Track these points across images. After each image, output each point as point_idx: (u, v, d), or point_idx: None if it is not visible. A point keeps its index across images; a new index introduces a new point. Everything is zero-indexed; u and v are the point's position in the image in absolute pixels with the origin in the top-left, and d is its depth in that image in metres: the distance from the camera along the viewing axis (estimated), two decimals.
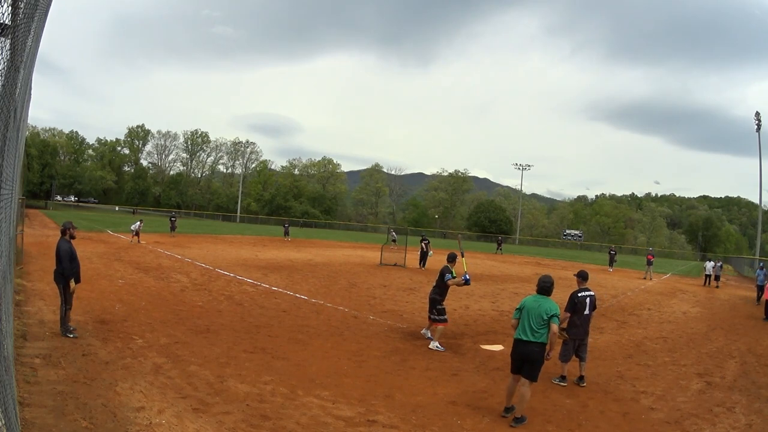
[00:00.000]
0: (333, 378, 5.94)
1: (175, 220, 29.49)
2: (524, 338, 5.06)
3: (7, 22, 2.25)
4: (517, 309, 5.26)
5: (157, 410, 4.52)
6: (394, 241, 29.25)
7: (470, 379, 6.40)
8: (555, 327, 5.04)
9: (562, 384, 6.44)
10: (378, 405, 5.20)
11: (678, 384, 6.87)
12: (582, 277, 6.81)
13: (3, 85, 2.37)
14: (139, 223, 22.80)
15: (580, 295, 6.62)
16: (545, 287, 5.25)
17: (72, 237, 7.02)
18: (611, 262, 30.09)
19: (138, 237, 22.17)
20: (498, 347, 8.15)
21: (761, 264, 22.54)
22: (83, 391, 4.79)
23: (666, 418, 5.50)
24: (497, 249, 40.96)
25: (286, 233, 34.79)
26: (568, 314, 6.58)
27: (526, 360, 5.06)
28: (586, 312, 6.62)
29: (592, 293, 6.74)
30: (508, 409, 5.17)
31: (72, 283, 6.72)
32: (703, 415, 5.66)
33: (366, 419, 4.80)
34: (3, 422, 2.67)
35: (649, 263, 26.00)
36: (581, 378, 6.57)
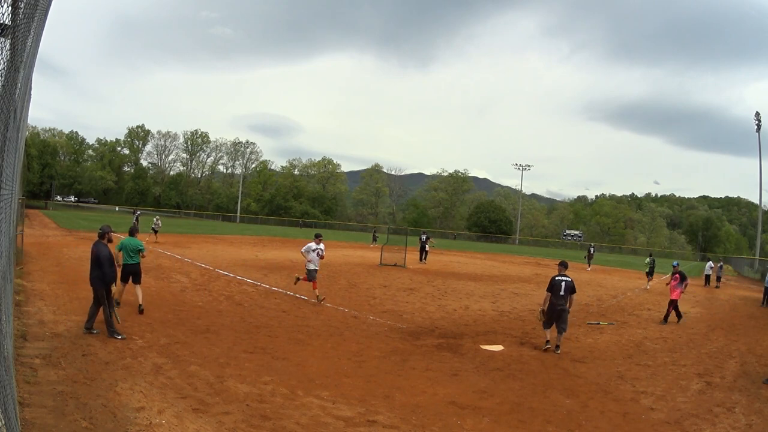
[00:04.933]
0: (333, 378, 5.94)
1: (137, 221, 21.60)
2: (131, 262, 8.39)
3: (7, 22, 2.25)
4: (118, 248, 8.19)
5: (157, 410, 4.52)
6: (375, 239, 29.64)
7: (470, 379, 6.40)
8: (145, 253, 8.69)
9: (546, 347, 8.07)
10: (378, 405, 5.20)
11: (678, 384, 6.87)
12: (563, 265, 8.41)
13: (3, 86, 2.37)
14: (156, 219, 24.27)
15: (556, 278, 8.17)
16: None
17: (110, 240, 7.10)
18: (590, 260, 29.95)
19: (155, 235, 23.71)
20: (498, 347, 8.15)
21: None
22: (83, 391, 4.79)
23: (666, 418, 5.50)
24: (588, 259, 30.73)
25: (375, 239, 32.52)
26: (549, 294, 8.18)
27: (132, 273, 8.41)
28: (562, 293, 8.09)
29: (568, 279, 8.18)
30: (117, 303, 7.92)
31: (114, 287, 6.92)
32: (703, 415, 5.66)
33: (366, 419, 4.80)
34: (3, 422, 2.67)
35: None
36: (557, 347, 8.10)
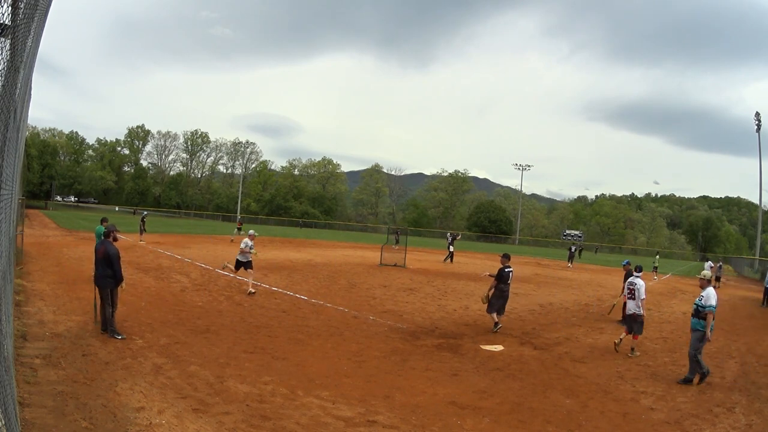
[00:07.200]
0: (333, 378, 5.94)
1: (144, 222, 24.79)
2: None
3: (7, 22, 2.25)
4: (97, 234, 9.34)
5: (157, 410, 4.52)
6: (397, 241, 29.34)
7: (470, 379, 6.40)
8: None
9: (496, 330, 9.20)
10: (378, 405, 5.20)
11: (678, 384, 6.87)
12: (505, 257, 9.69)
13: (3, 86, 2.37)
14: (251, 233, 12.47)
15: (506, 270, 9.48)
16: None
17: (115, 239, 7.15)
18: (571, 258, 30.81)
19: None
20: (498, 347, 8.15)
21: None
22: (83, 391, 4.79)
23: (666, 418, 5.49)
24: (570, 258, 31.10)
25: (397, 241, 29.74)
26: (497, 282, 9.36)
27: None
28: (509, 281, 9.53)
29: (512, 269, 9.72)
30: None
31: (122, 286, 7.04)
32: (703, 415, 5.66)
33: (366, 419, 4.79)
34: (3, 422, 2.68)
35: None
36: (497, 324, 9.37)
